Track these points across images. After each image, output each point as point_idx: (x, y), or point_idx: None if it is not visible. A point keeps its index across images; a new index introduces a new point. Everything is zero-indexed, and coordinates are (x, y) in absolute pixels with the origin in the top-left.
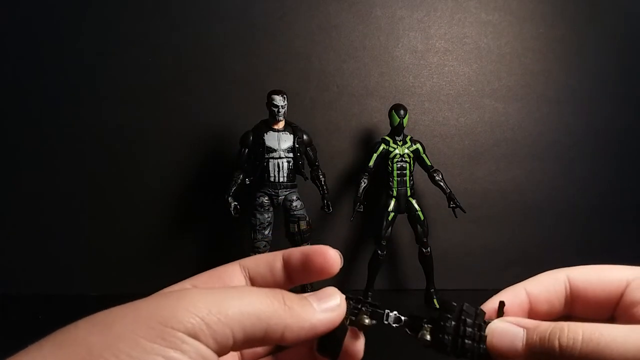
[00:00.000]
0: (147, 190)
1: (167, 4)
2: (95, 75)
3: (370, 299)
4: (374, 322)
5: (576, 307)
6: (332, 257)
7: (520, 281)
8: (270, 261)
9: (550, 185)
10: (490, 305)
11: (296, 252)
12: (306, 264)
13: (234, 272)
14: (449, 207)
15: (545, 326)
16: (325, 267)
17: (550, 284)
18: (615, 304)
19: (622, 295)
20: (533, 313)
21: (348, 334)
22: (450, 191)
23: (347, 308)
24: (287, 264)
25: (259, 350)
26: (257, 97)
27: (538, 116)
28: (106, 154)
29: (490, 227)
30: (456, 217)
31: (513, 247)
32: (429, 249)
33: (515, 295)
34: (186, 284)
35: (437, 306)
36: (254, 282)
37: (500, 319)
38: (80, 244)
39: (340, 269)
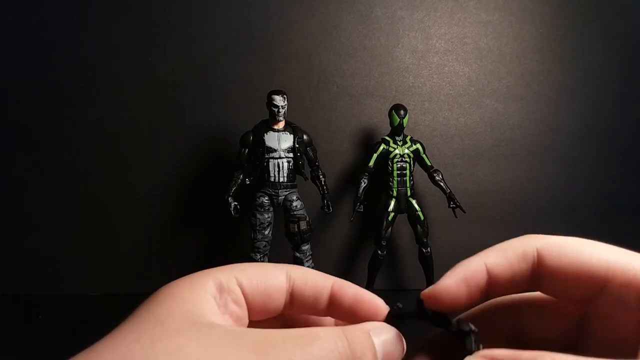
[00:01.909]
0: (147, 190)
1: (167, 4)
2: (96, 75)
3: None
4: None
5: (543, 285)
6: (382, 311)
7: None
8: (319, 287)
9: (550, 185)
10: (444, 284)
11: (349, 293)
12: (353, 311)
13: (279, 283)
14: (449, 207)
15: (527, 356)
16: (367, 318)
17: (515, 261)
18: (590, 295)
19: (600, 291)
20: (491, 288)
21: None
22: (450, 191)
23: None
24: (333, 299)
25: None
26: (257, 97)
27: (538, 116)
28: (107, 154)
29: (491, 227)
30: (456, 217)
31: None
32: (429, 249)
33: (473, 271)
34: (230, 275)
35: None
36: (292, 299)
37: (475, 354)
38: (81, 244)
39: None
